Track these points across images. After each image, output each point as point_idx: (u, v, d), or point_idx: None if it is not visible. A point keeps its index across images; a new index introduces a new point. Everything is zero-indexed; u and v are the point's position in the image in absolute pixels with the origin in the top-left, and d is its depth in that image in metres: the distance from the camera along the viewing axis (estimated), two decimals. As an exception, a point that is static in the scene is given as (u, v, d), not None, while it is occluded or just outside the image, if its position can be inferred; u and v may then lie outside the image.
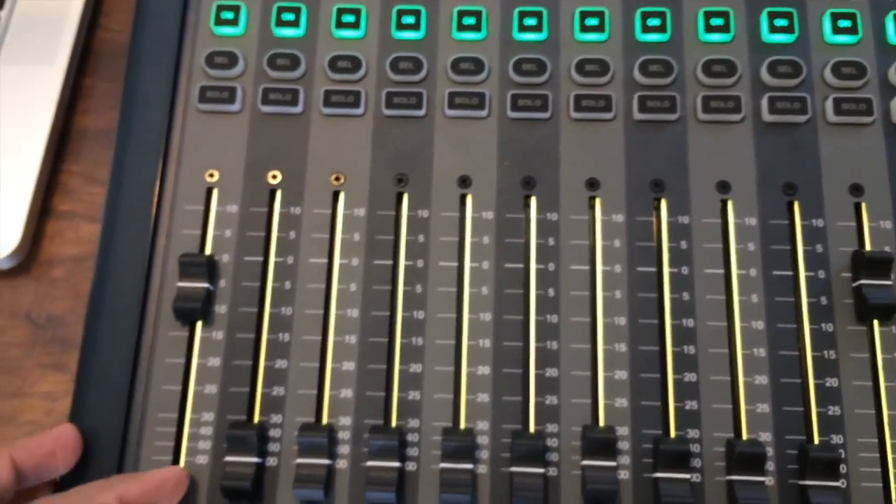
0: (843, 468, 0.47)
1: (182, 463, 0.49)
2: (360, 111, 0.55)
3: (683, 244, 0.51)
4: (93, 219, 0.59)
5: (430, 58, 0.56)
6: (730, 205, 0.52)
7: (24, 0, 0.64)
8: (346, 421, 0.49)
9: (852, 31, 0.54)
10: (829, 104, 0.53)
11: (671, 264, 0.51)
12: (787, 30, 0.55)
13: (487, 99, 0.54)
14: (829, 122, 0.53)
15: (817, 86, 0.54)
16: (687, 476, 0.46)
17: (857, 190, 0.52)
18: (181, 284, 0.51)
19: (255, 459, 0.47)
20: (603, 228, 0.52)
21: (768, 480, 0.47)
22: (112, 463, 0.48)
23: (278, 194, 0.53)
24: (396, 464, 0.47)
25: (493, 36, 0.56)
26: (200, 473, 0.48)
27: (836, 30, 0.54)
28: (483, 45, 0.56)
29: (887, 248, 0.50)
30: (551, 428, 0.49)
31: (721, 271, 0.51)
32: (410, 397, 0.49)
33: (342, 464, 0.48)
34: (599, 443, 0.47)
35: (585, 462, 0.47)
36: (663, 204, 0.52)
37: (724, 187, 0.52)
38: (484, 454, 0.48)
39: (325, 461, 0.47)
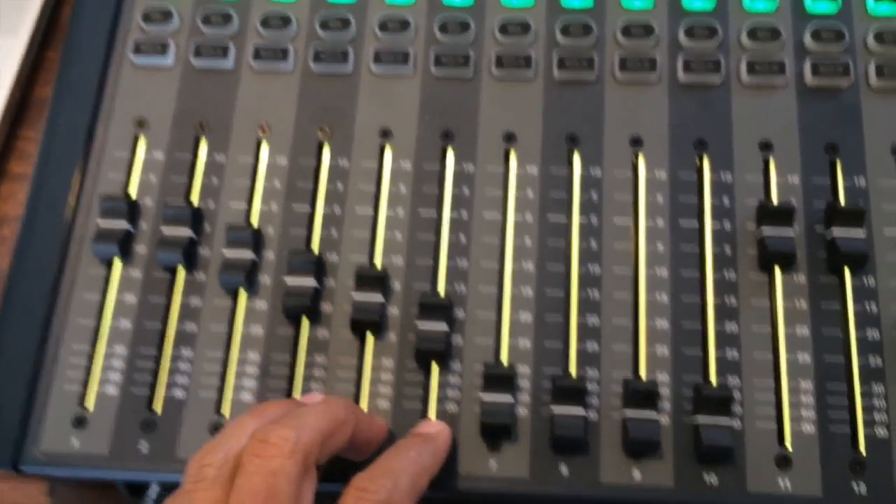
0: (739, 409, 0.49)
1: (93, 393, 0.52)
2: (289, 66, 0.59)
3: (594, 195, 0.55)
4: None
5: (358, 17, 0.60)
6: (641, 158, 0.55)
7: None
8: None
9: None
10: (744, 66, 0.57)
11: (581, 214, 0.54)
12: (707, -4, 0.59)
13: (412, 56, 0.58)
14: (743, 83, 0.57)
15: (733, 48, 0.58)
16: (583, 412, 0.49)
17: (766, 146, 0.55)
18: (100, 222, 0.54)
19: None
20: (518, 180, 0.55)
21: (663, 419, 0.49)
22: (22, 388, 0.51)
23: (204, 142, 0.57)
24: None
25: (422, -2, 0.60)
26: (109, 404, 0.52)
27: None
28: (412, 8, 0.60)
29: (794, 202, 0.53)
30: (456, 366, 0.51)
31: (629, 221, 0.54)
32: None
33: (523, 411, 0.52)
34: (498, 379, 0.50)
35: (483, 396, 0.50)
36: (576, 157, 0.56)
37: (636, 142, 0.56)
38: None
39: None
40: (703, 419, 0.48)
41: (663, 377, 0.50)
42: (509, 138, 0.56)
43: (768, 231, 0.52)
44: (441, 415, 0.51)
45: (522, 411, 0.50)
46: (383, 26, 0.59)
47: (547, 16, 0.59)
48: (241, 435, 0.41)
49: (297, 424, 0.40)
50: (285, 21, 0.59)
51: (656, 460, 0.49)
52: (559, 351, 0.52)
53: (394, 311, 0.53)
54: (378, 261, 0.54)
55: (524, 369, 0.51)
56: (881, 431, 0.49)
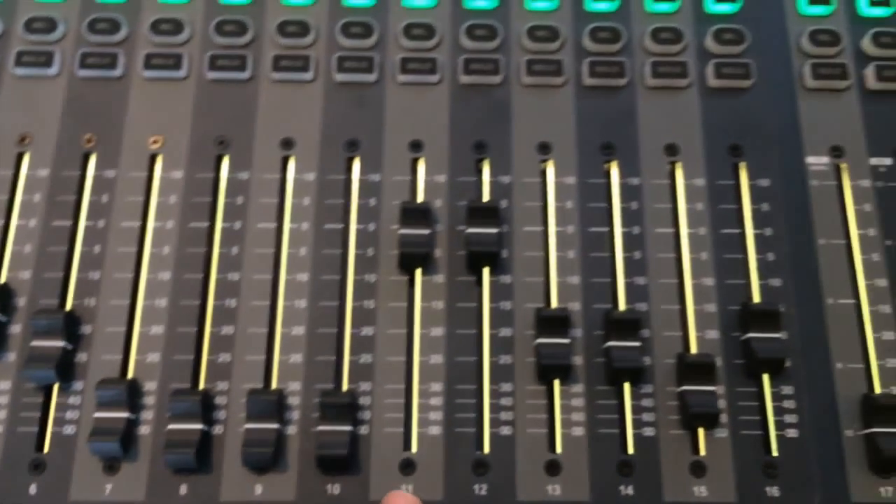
0: (367, 415, 0.49)
1: None
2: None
3: (239, 199, 0.53)
4: None
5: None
6: (291, 161, 0.54)
7: None
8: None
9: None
10: (397, 64, 0.56)
11: (224, 219, 0.53)
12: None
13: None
14: (397, 82, 0.56)
15: (391, 47, 0.57)
16: (203, 427, 0.47)
17: (416, 146, 0.55)
18: None
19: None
20: (161, 184, 0.54)
21: (291, 429, 0.48)
22: None
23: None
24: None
25: None
26: None
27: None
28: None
29: (438, 202, 0.53)
30: (77, 386, 0.49)
31: (273, 225, 0.52)
32: None
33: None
34: (114, 397, 0.48)
35: (97, 414, 0.47)
36: (226, 161, 0.54)
37: (287, 144, 0.55)
38: None
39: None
40: (323, 427, 0.47)
41: (295, 386, 0.49)
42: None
43: (405, 230, 0.51)
44: (56, 437, 0.48)
45: (144, 429, 0.48)
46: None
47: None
48: None
49: None
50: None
51: (279, 473, 0.47)
52: (189, 363, 0.49)
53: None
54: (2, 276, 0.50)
55: (151, 385, 0.49)
56: (506, 430, 0.48)
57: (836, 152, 0.55)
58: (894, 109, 0.56)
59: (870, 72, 0.56)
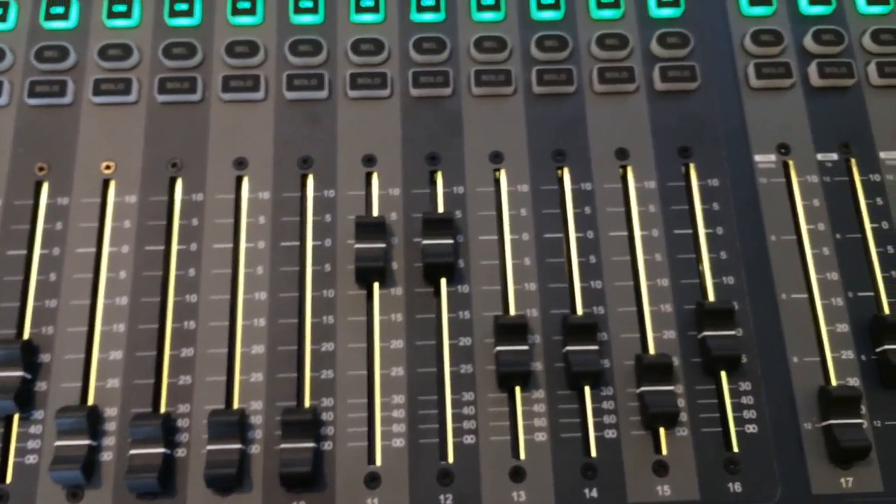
0: (330, 430, 0.49)
1: None
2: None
3: (195, 220, 0.53)
4: None
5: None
6: (245, 180, 0.54)
7: None
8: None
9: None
10: (347, 80, 0.57)
11: (180, 241, 0.53)
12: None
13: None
14: (349, 97, 0.57)
15: (340, 64, 0.58)
16: (165, 451, 0.47)
17: (369, 161, 0.55)
18: None
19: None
20: (114, 209, 0.54)
21: (254, 448, 0.48)
22: None
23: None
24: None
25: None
26: None
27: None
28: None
29: (394, 215, 0.53)
30: (38, 415, 0.49)
31: (229, 245, 0.53)
32: None
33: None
34: (75, 425, 0.48)
35: (58, 443, 0.47)
36: (179, 182, 0.54)
37: (240, 164, 0.55)
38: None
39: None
40: (286, 444, 0.47)
41: (256, 405, 0.49)
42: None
43: (360, 245, 0.51)
44: (19, 467, 0.48)
45: (106, 455, 0.48)
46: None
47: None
48: None
49: None
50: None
51: (244, 493, 0.48)
52: (149, 387, 0.49)
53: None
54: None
55: (112, 411, 0.49)
56: (469, 439, 0.49)
57: (783, 149, 0.56)
58: (838, 105, 0.57)
59: (813, 69, 0.57)
